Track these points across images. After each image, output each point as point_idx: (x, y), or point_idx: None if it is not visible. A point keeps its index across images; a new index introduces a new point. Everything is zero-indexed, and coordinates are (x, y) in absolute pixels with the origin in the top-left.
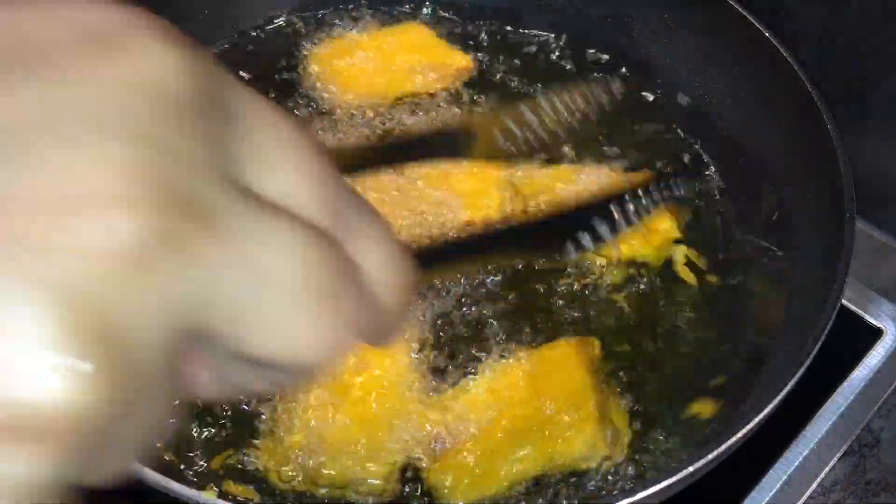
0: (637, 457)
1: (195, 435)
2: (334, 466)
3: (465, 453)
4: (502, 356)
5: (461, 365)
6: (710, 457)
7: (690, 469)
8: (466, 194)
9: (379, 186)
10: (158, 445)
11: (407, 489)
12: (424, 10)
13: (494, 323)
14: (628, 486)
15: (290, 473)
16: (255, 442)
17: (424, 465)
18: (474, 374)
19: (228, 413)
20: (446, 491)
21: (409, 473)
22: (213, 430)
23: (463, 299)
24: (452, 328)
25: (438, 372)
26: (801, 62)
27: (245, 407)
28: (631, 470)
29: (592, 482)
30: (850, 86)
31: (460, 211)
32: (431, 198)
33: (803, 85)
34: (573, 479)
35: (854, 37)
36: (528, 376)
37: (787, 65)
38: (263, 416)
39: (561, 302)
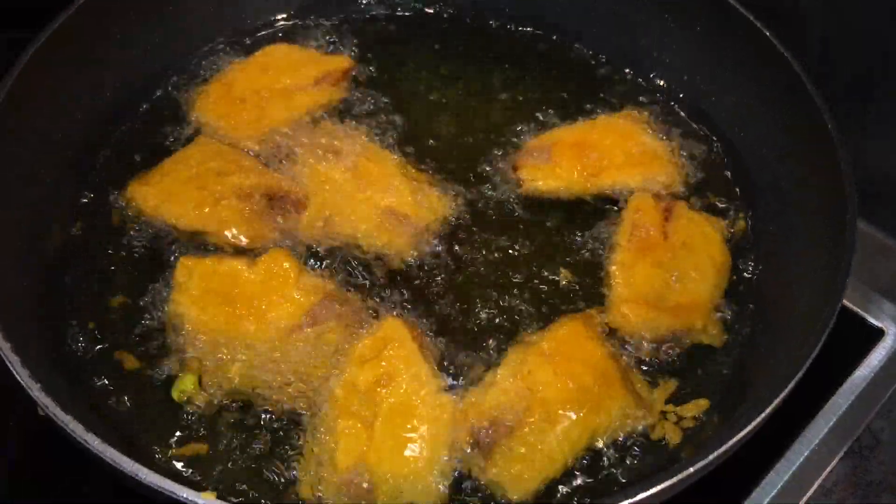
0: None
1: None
2: (385, 489)
3: (512, 445)
4: (502, 348)
5: (476, 361)
6: (711, 457)
7: (691, 469)
8: None
9: None
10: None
11: (465, 495)
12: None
13: (497, 314)
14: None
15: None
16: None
17: (476, 465)
18: (493, 364)
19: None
20: (506, 486)
21: (465, 482)
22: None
23: (458, 302)
24: (457, 327)
25: (459, 371)
26: (803, 63)
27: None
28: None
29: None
30: (851, 87)
31: None
32: None
33: (805, 86)
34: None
35: (856, 39)
36: (546, 357)
37: (790, 66)
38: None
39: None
